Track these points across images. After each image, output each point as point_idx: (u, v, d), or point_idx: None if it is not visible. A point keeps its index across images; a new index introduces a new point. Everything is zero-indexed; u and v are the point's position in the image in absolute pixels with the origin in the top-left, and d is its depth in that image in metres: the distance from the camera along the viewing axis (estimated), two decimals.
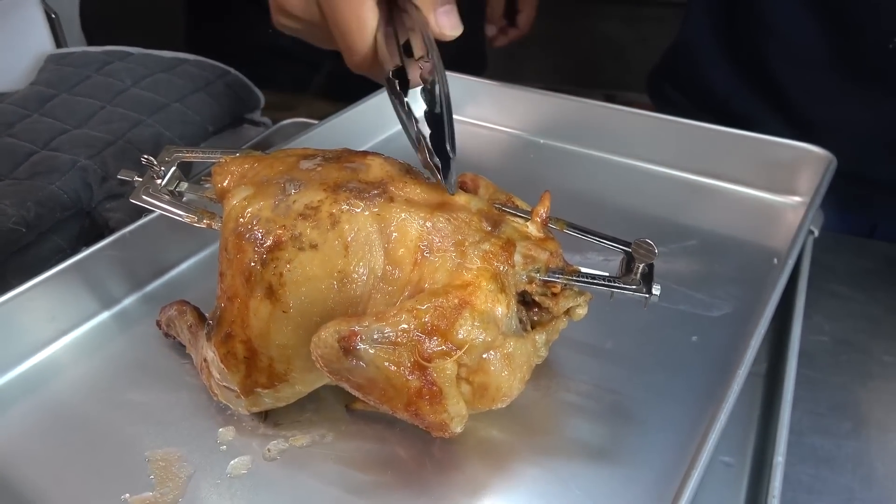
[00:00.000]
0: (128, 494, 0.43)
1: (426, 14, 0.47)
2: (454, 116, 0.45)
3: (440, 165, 0.44)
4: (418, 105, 0.44)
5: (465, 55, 1.08)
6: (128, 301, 0.59)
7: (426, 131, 0.44)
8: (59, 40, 0.95)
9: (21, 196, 0.63)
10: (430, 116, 0.45)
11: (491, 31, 1.11)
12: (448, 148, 0.44)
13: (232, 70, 0.86)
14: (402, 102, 0.45)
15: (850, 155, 0.63)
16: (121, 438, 0.47)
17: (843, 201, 0.65)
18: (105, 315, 0.57)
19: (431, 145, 0.44)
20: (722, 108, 0.80)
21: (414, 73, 0.46)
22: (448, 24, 0.48)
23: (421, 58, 0.46)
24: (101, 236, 0.58)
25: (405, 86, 0.45)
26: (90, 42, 1.11)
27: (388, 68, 0.45)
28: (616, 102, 0.75)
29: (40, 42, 0.90)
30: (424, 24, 0.47)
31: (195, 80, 0.83)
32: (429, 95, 0.45)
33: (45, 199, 0.64)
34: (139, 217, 0.58)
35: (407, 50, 0.47)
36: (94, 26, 1.16)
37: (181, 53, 0.87)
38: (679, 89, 0.86)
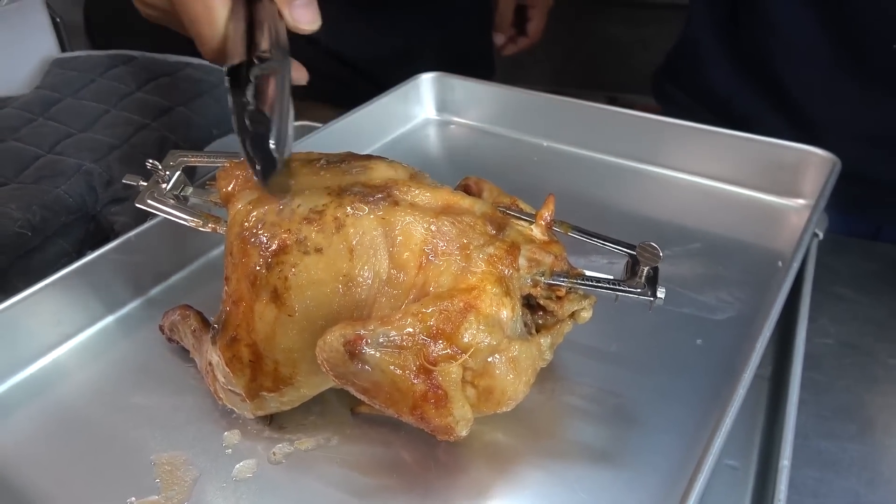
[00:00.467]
0: (133, 498, 0.44)
1: (280, 7, 0.46)
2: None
3: (258, 164, 0.42)
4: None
5: (472, 61, 1.08)
6: (132, 305, 0.59)
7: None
8: (63, 44, 0.95)
9: (26, 200, 0.63)
10: (255, 113, 0.42)
11: (500, 39, 1.10)
12: (271, 146, 0.41)
13: None
14: (237, 98, 0.42)
15: (854, 155, 0.63)
16: (126, 442, 0.47)
17: (846, 203, 0.65)
18: (110, 319, 0.57)
19: (252, 142, 0.42)
20: (725, 108, 0.80)
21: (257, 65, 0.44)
22: (305, 18, 0.46)
23: (263, 52, 0.44)
24: (106, 240, 0.58)
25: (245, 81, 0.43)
26: (94, 46, 1.12)
27: (230, 62, 0.44)
28: (618, 104, 0.75)
29: (45, 46, 0.90)
30: (275, 16, 0.45)
31: (199, 84, 0.84)
32: (257, 91, 0.42)
33: (50, 202, 0.64)
34: (144, 221, 0.59)
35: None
36: (97, 30, 1.16)
37: (184, 57, 0.87)
38: (682, 89, 0.86)
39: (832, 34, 0.70)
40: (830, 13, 0.69)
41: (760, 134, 0.67)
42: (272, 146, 0.41)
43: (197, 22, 0.46)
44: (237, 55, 0.44)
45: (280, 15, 0.46)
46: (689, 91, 0.85)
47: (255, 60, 0.43)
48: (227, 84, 0.43)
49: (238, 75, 0.43)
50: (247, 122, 0.42)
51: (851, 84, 0.71)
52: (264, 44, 0.45)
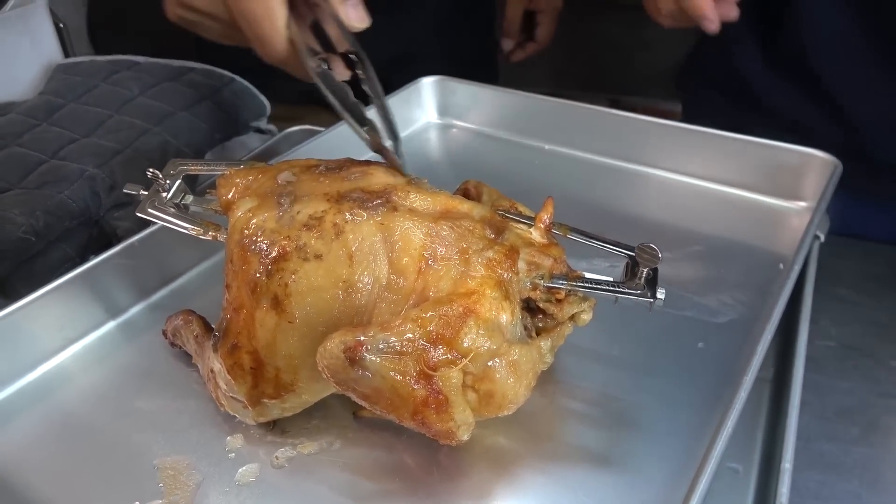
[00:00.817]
0: (137, 503, 0.44)
1: (335, 7, 0.48)
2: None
3: (393, 146, 0.47)
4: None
5: (476, 65, 1.08)
6: (135, 310, 0.59)
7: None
8: (67, 49, 0.95)
9: (30, 205, 0.64)
10: (375, 102, 0.48)
11: (508, 45, 1.09)
12: (395, 129, 0.47)
13: (237, 78, 0.87)
14: (340, 93, 0.46)
15: (892, 149, 0.61)
16: (129, 447, 0.48)
17: (883, 198, 0.63)
18: (113, 324, 0.58)
19: (382, 128, 0.47)
20: (757, 103, 0.78)
21: (337, 65, 0.48)
22: (356, 17, 0.49)
23: (347, 51, 0.48)
24: (109, 245, 0.58)
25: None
26: (97, 51, 1.12)
27: (316, 62, 0.47)
28: (620, 107, 0.75)
29: (49, 51, 0.90)
30: (333, 16, 0.48)
31: (201, 89, 0.84)
32: (369, 83, 0.47)
33: (53, 207, 0.64)
34: (147, 226, 0.59)
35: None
36: (101, 36, 1.16)
37: (187, 62, 0.87)
38: (711, 84, 0.84)
39: (868, 26, 0.68)
40: (866, 5, 0.68)
41: (795, 129, 0.66)
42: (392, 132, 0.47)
43: (259, 24, 0.47)
44: (314, 56, 0.47)
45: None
46: (718, 86, 0.83)
47: (346, 57, 0.48)
48: (330, 80, 0.46)
49: (325, 73, 0.47)
50: (362, 111, 0.47)
51: (888, 77, 0.70)
52: (341, 41, 0.48)
